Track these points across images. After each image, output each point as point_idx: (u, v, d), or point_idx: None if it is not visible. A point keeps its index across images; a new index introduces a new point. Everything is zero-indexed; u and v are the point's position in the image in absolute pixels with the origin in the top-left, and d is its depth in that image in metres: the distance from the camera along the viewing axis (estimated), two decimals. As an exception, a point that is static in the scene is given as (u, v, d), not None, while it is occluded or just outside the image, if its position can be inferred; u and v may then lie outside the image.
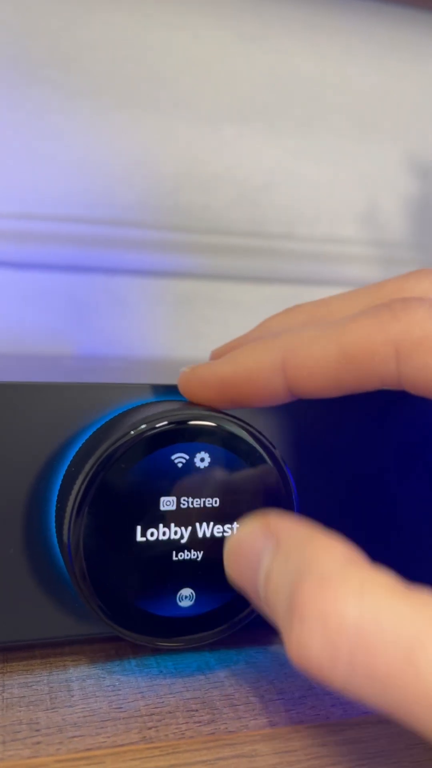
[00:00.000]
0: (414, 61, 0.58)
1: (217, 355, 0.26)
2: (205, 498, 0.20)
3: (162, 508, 0.20)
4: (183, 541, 0.20)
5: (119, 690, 0.21)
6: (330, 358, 0.19)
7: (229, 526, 0.20)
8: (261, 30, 0.55)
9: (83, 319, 0.52)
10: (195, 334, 0.55)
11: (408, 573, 0.16)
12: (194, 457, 0.20)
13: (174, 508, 0.20)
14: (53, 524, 0.21)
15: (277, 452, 0.21)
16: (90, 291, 0.52)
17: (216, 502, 0.20)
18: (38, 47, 0.49)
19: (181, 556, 0.20)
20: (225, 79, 0.54)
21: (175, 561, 0.20)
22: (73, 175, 0.51)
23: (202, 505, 0.20)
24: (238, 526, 0.18)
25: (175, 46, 0.52)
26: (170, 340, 0.54)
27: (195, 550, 0.20)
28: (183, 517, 0.20)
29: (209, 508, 0.20)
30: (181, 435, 0.20)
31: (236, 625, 0.21)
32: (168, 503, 0.20)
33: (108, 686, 0.21)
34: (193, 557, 0.20)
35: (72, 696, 0.20)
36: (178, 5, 0.52)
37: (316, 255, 0.56)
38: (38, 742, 0.18)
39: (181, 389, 0.21)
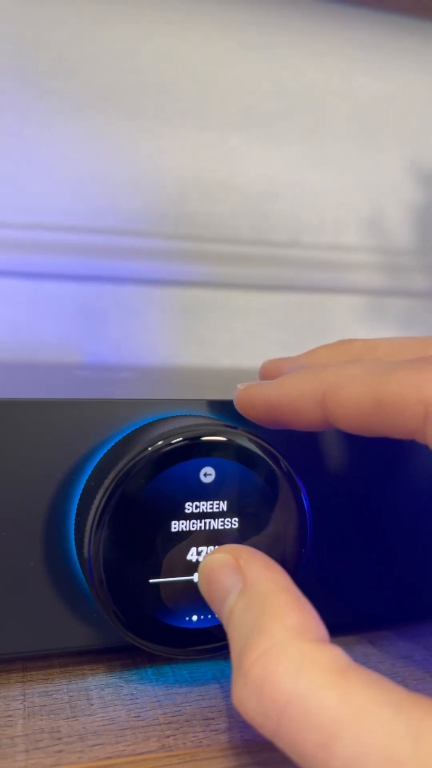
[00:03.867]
0: (417, 70, 0.59)
1: (265, 368, 0.26)
2: (221, 512, 0.21)
3: (180, 521, 0.20)
4: (200, 554, 0.21)
5: (137, 699, 0.21)
6: (365, 403, 0.19)
7: (245, 539, 0.21)
8: (265, 39, 0.55)
9: (90, 328, 0.52)
10: (201, 342, 0.55)
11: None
12: (210, 472, 0.21)
13: (192, 522, 0.20)
14: (72, 537, 0.21)
15: (290, 469, 0.21)
16: (97, 300, 0.52)
17: (231, 516, 0.21)
18: (45, 60, 0.50)
19: (197, 568, 0.21)
20: (229, 88, 0.55)
21: (192, 572, 0.21)
22: (79, 185, 0.51)
23: (218, 520, 0.21)
24: (212, 550, 0.20)
25: (179, 57, 0.53)
26: (176, 347, 0.55)
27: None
28: (200, 532, 0.21)
29: (225, 522, 0.21)
30: (198, 450, 0.20)
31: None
32: (186, 517, 0.20)
33: (126, 695, 0.21)
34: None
35: (91, 704, 0.21)
36: (182, 16, 0.52)
37: (321, 262, 0.57)
38: (60, 751, 0.19)
39: (236, 405, 0.22)
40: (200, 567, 0.20)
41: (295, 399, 0.20)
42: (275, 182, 0.56)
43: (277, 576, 0.18)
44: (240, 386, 0.22)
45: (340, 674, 0.15)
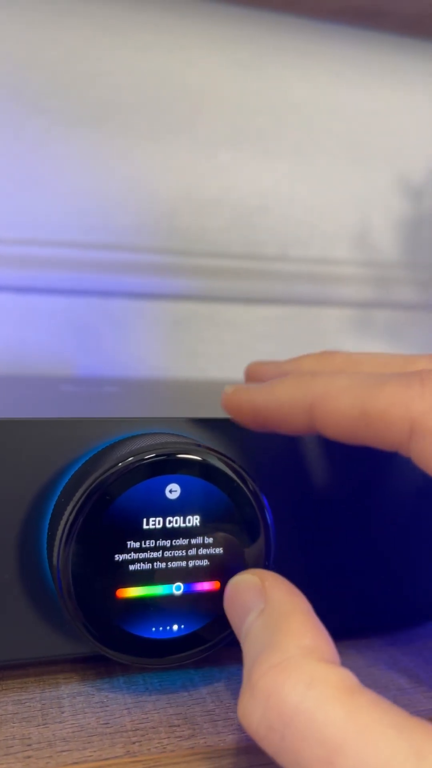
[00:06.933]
0: (403, 86, 0.60)
1: (251, 370, 0.26)
2: (188, 529, 0.22)
3: (146, 537, 0.21)
4: (166, 568, 0.21)
5: (107, 706, 0.22)
6: (353, 415, 0.19)
7: (208, 553, 0.22)
8: (255, 57, 0.56)
9: (82, 342, 0.53)
10: (192, 355, 0.56)
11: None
12: (178, 489, 0.21)
13: (158, 537, 0.21)
14: (45, 551, 0.22)
15: (254, 485, 0.22)
16: (88, 314, 0.53)
17: (198, 533, 0.22)
18: (39, 78, 0.51)
19: (163, 581, 0.21)
20: (220, 105, 0.56)
21: (158, 586, 0.21)
22: (72, 202, 0.53)
23: (184, 536, 0.22)
24: (240, 574, 0.21)
25: (171, 75, 0.54)
26: (167, 360, 0.56)
27: (177, 577, 0.22)
28: (166, 546, 0.21)
29: (191, 538, 0.22)
30: (163, 467, 0.21)
31: (217, 645, 0.23)
32: (152, 533, 0.21)
33: (97, 703, 0.22)
34: (175, 583, 0.22)
35: (63, 712, 0.22)
36: (174, 35, 0.54)
37: (310, 276, 0.58)
38: (29, 756, 0.19)
39: (223, 407, 0.23)
40: (227, 586, 0.20)
41: (284, 406, 0.21)
42: (265, 197, 0.57)
43: (298, 600, 0.19)
44: (228, 388, 0.23)
45: (347, 692, 0.16)
